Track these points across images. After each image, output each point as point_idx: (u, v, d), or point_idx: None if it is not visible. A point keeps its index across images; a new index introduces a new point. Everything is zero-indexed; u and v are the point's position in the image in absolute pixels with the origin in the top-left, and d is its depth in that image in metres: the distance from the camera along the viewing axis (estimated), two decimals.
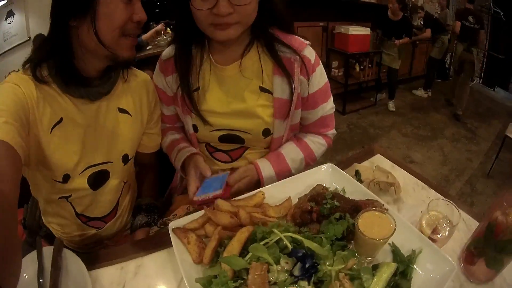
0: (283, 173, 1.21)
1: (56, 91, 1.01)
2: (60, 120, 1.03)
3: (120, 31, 0.97)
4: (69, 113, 1.04)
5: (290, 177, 1.10)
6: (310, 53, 1.18)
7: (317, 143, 1.33)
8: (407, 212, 1.02)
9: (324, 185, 1.03)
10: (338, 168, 1.10)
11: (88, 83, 1.05)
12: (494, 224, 0.79)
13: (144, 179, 1.43)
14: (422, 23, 6.22)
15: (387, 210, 0.91)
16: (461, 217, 1.01)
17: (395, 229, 0.79)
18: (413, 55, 6.71)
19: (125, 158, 1.21)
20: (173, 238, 0.89)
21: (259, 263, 0.76)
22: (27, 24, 4.27)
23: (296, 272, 0.76)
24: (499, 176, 3.85)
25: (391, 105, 5.76)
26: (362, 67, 5.58)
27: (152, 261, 0.95)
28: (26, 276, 0.87)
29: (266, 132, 1.22)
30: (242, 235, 0.82)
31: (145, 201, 1.35)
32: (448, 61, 7.69)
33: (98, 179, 1.16)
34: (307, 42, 1.18)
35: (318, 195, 0.93)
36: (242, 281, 0.77)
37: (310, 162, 1.31)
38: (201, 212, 0.95)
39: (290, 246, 0.78)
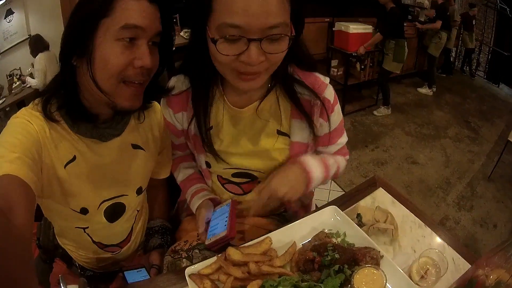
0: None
1: (66, 130, 0.99)
2: (73, 158, 1.02)
3: (119, 77, 0.89)
4: (81, 152, 1.03)
5: (296, 222, 1.16)
6: (330, 94, 1.14)
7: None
8: (401, 257, 1.11)
9: (327, 230, 1.12)
10: (342, 212, 1.17)
11: (98, 123, 1.03)
12: (475, 281, 0.87)
13: (155, 200, 1.46)
14: (433, 16, 6.06)
15: (382, 257, 1.01)
16: (452, 257, 1.12)
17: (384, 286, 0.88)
18: (419, 49, 6.55)
19: (139, 190, 1.24)
20: (190, 283, 0.98)
21: None
22: (27, 22, 4.25)
23: None
24: (500, 179, 3.92)
25: (384, 111, 5.34)
26: (363, 66, 5.37)
27: None
28: None
29: None
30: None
31: (158, 223, 1.39)
32: (453, 54, 7.62)
33: (114, 212, 1.19)
34: (327, 81, 1.14)
35: (320, 245, 1.02)
36: None
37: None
38: (214, 258, 1.03)
39: None
